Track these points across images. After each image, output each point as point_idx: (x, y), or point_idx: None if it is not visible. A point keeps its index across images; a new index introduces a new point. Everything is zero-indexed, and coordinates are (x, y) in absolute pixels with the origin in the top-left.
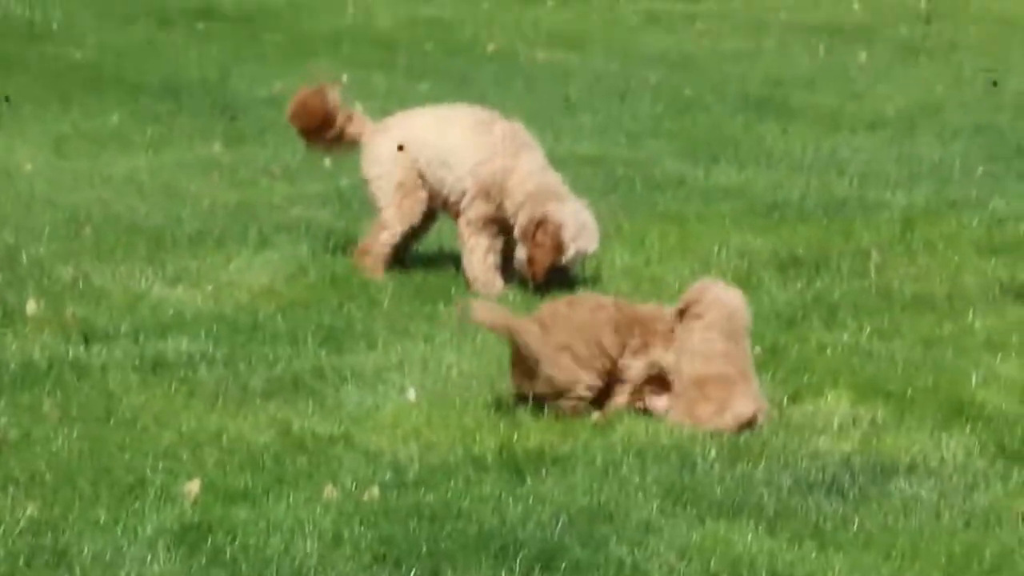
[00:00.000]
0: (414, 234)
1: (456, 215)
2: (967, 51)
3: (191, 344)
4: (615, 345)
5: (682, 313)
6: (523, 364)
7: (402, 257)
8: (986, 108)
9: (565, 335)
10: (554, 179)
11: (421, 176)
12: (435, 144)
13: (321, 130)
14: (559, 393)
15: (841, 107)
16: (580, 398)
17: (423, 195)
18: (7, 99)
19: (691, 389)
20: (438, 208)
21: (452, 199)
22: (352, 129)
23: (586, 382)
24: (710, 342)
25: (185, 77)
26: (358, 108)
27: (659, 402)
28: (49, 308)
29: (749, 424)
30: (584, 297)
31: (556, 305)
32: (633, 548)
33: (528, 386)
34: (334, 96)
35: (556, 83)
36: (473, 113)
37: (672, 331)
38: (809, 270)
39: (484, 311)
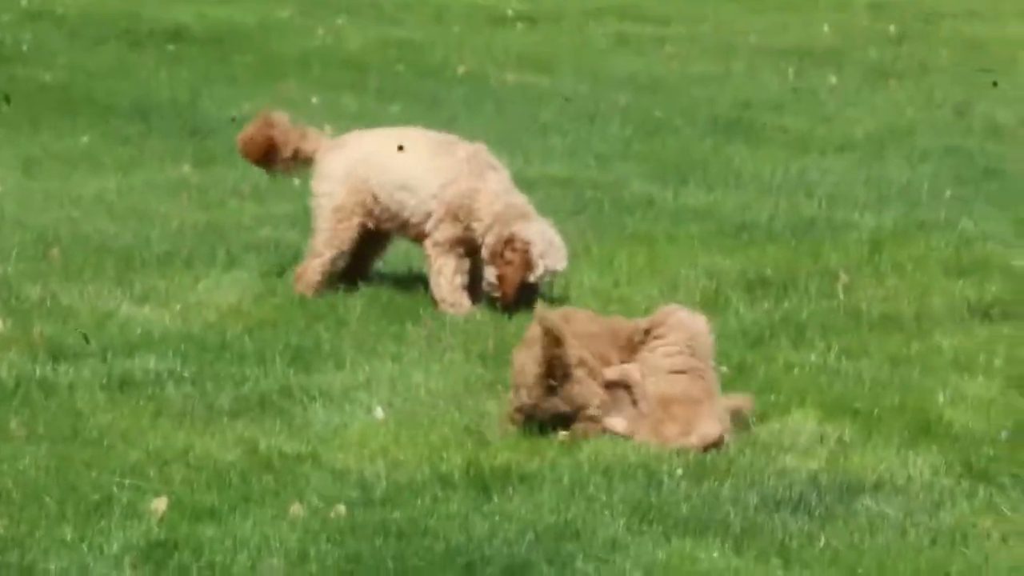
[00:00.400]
0: (364, 256)
1: (417, 237)
2: (937, 74)
3: (159, 363)
4: (611, 358)
5: (646, 334)
6: (546, 379)
7: (367, 276)
8: (955, 131)
9: (577, 349)
10: (520, 199)
11: (374, 198)
12: (393, 167)
13: (272, 157)
14: (576, 410)
15: (810, 129)
16: (593, 417)
17: (357, 222)
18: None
19: (656, 409)
20: (393, 231)
21: (414, 221)
22: (307, 146)
23: (600, 398)
24: (674, 362)
25: (155, 99)
26: (326, 129)
27: (617, 423)
28: (17, 327)
29: (715, 445)
30: (573, 311)
31: (547, 325)
32: (599, 565)
33: (543, 404)
34: (280, 120)
35: (526, 105)
36: (431, 135)
37: (634, 342)
38: (777, 290)
39: (549, 315)
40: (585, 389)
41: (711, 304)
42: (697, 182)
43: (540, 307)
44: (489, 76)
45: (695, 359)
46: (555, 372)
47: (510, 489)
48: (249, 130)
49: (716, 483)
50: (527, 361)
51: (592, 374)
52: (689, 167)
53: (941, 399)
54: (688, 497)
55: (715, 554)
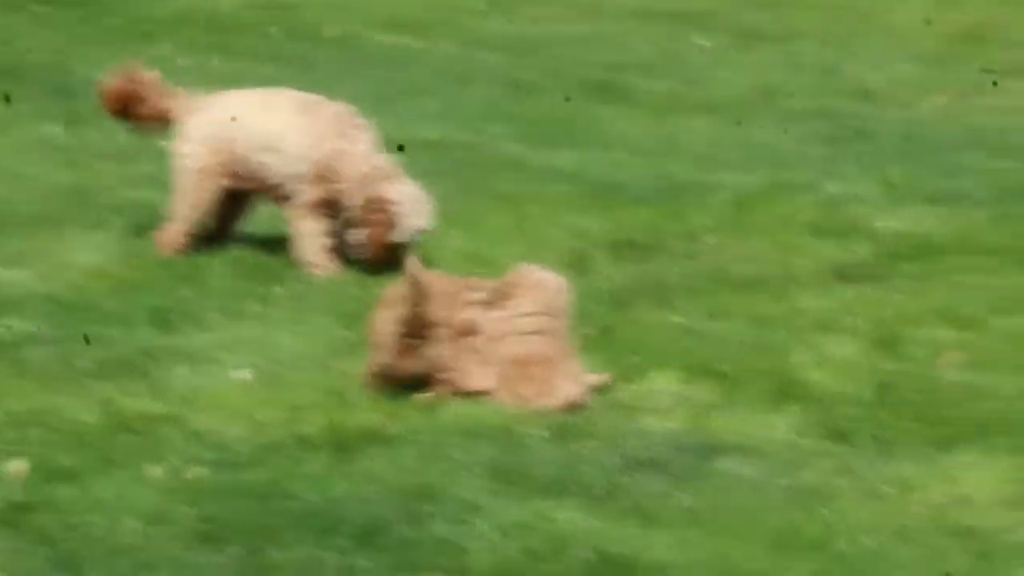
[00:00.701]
0: (227, 217)
1: (282, 199)
2: (807, 37)
3: (21, 324)
4: (470, 322)
5: (501, 295)
6: (408, 338)
7: (233, 236)
8: (824, 93)
9: (437, 310)
10: (386, 160)
11: (238, 159)
12: (258, 128)
13: (132, 111)
14: (434, 371)
15: (680, 91)
16: (452, 379)
17: (220, 183)
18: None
19: (513, 369)
20: (257, 192)
21: (279, 183)
22: (171, 106)
23: (460, 360)
24: (530, 323)
25: (25, 60)
26: (196, 91)
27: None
28: None
29: (576, 405)
30: (432, 274)
31: (411, 286)
32: (456, 526)
33: (402, 365)
34: (147, 76)
35: (397, 67)
36: (298, 96)
37: (490, 303)
38: (643, 252)
39: (419, 269)
40: (444, 350)
41: (577, 265)
42: (566, 144)
43: (412, 262)
44: (361, 38)
45: (552, 320)
46: (416, 330)
47: (370, 450)
48: (113, 80)
49: (577, 444)
50: (387, 320)
51: (451, 336)
52: (558, 129)
53: (804, 360)
54: (548, 458)
55: (574, 515)
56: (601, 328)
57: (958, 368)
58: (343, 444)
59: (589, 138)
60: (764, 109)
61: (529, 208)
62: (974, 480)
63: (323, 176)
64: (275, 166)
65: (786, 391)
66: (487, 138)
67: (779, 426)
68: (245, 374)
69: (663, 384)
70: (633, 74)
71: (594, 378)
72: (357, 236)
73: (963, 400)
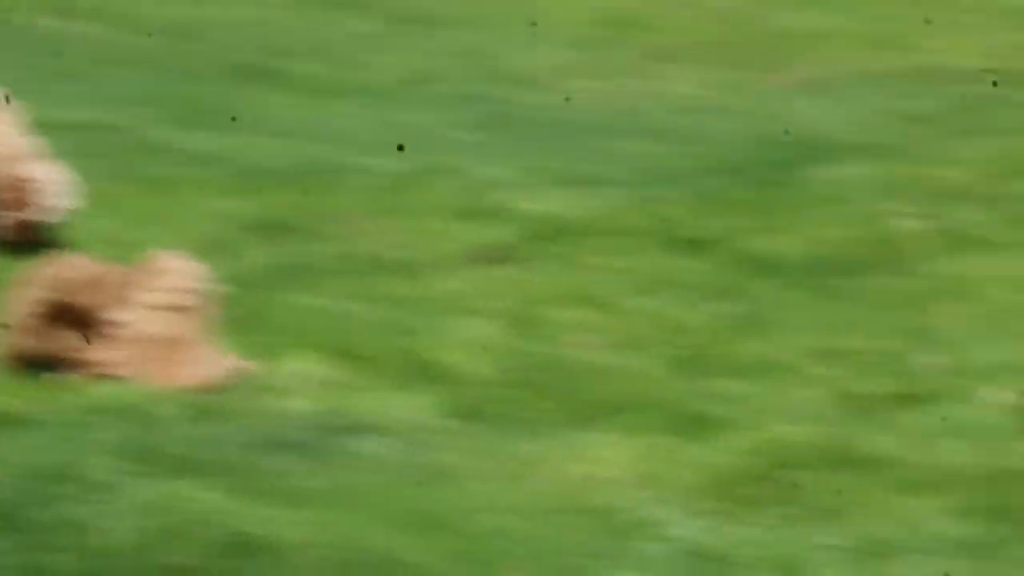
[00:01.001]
0: None
1: None
2: (459, 22)
3: None
4: (107, 304)
5: (140, 278)
6: (45, 319)
7: None
8: (475, 78)
9: (73, 295)
10: (29, 141)
11: None
12: None
13: None
14: (70, 353)
15: (333, 75)
16: (86, 361)
17: None
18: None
19: (150, 350)
20: None
21: None
22: None
23: (96, 341)
24: (167, 304)
25: None
26: None
27: (113, 360)
28: None
29: (213, 386)
30: (72, 257)
31: (49, 268)
32: (92, 507)
33: (37, 346)
34: None
35: (49, 49)
36: None
37: (129, 287)
38: (289, 235)
39: (55, 258)
40: (81, 332)
41: (222, 248)
42: (217, 127)
43: (50, 251)
44: (8, 20)
45: (189, 302)
46: (53, 311)
47: (6, 432)
48: None
49: (214, 424)
50: (24, 301)
51: (88, 318)
52: (210, 112)
53: (442, 341)
54: (185, 438)
55: (211, 495)
56: (243, 310)
57: (596, 349)
58: None
59: (240, 122)
60: (416, 92)
61: (177, 192)
62: (608, 459)
63: None
64: None
65: (423, 372)
66: (137, 121)
67: (416, 407)
68: None
69: (301, 365)
70: (285, 58)
71: (232, 359)
72: None
73: (600, 380)
